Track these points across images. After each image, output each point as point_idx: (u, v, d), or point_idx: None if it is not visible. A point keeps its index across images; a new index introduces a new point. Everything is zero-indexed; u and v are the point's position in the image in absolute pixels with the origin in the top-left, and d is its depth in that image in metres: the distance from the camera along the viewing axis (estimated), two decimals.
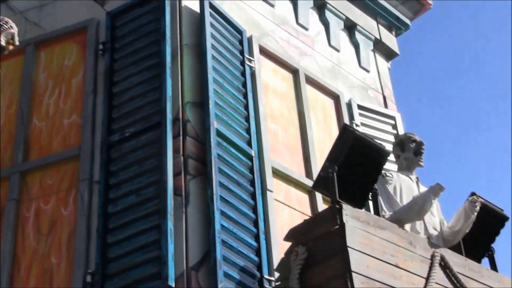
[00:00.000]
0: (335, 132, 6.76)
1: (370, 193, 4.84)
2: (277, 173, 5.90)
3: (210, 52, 5.75)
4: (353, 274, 4.22)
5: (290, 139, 6.30)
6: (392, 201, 5.05)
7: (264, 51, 6.55)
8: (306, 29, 7.36)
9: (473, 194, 5.10)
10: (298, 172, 6.09)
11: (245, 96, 5.96)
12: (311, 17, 7.53)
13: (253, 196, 5.47)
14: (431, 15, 12.55)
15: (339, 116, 6.99)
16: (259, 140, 5.85)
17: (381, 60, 8.20)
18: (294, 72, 6.80)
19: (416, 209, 4.90)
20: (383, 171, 5.20)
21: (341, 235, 4.36)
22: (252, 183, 5.53)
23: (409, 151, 5.37)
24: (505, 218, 5.52)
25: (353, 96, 7.30)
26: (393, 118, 7.43)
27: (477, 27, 16.46)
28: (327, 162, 4.62)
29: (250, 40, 6.41)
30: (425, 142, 5.48)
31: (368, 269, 4.34)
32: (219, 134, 5.41)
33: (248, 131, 5.78)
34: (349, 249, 4.30)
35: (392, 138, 7.22)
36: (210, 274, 4.79)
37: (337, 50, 7.61)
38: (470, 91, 16.22)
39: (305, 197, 6.04)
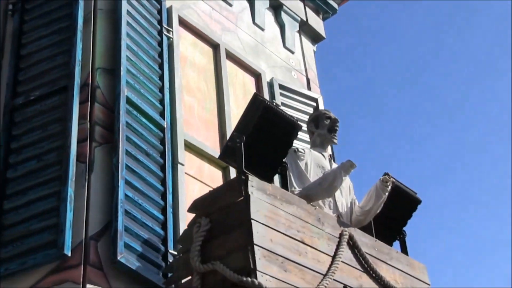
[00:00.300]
0: None
1: (280, 167, 4.69)
2: (190, 147, 5.73)
3: (125, 18, 5.55)
4: (255, 247, 4.09)
5: (206, 114, 6.14)
6: (303, 177, 4.93)
7: (184, 23, 6.38)
8: (230, 5, 7.21)
9: (385, 174, 5.01)
10: (212, 148, 5.93)
11: (161, 66, 5.78)
12: None
13: (162, 168, 5.29)
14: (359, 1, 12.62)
15: (259, 93, 6.84)
16: (172, 112, 5.67)
17: (306, 42, 8.10)
18: (215, 46, 6.64)
19: (326, 185, 4.79)
20: (294, 146, 5.08)
21: (245, 206, 4.23)
22: (163, 155, 5.35)
23: (323, 128, 5.25)
24: (417, 201, 5.46)
25: (275, 75, 7.18)
26: (315, 100, 7.33)
27: (405, 15, 16.59)
28: (235, 131, 4.47)
29: (169, 10, 6.23)
30: (340, 121, 5.37)
31: (272, 243, 4.21)
32: (129, 102, 5.22)
33: (161, 102, 5.60)
34: (252, 221, 4.17)
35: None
36: (110, 245, 4.59)
37: (262, 29, 7.47)
38: (395, 81, 16.34)
39: (218, 173, 5.89)
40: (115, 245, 4.56)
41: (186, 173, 5.52)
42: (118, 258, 4.51)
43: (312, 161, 5.04)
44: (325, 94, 7.78)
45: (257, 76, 6.96)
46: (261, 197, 4.32)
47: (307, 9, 8.21)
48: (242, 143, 4.39)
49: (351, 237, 4.77)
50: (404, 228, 5.49)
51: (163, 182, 5.23)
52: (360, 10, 16.68)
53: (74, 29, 5.29)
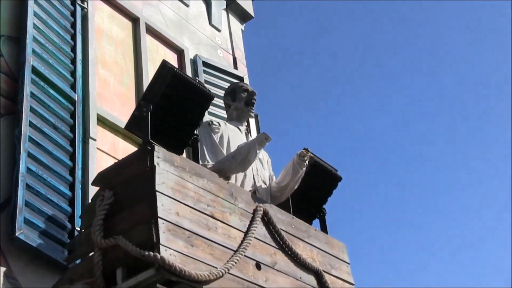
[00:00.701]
0: None
1: (191, 139, 4.47)
2: (103, 122, 5.49)
3: None
4: (159, 220, 3.86)
5: (123, 89, 5.90)
6: (217, 150, 4.71)
7: None
8: None
9: (304, 149, 4.82)
10: None
11: (73, 37, 5.52)
12: None
13: (72, 142, 5.03)
14: None
15: (182, 70, 6.61)
16: (85, 85, 5.42)
17: (234, 21, 7.91)
18: (134, 20, 6.41)
19: (240, 159, 4.58)
20: (209, 119, 4.88)
21: (150, 178, 3.99)
22: (72, 128, 5.10)
23: (240, 100, 5.05)
24: (337, 178, 5.30)
25: (199, 52, 6.96)
26: (240, 79, 7.13)
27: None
28: (142, 100, 4.25)
29: None
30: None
31: (178, 216, 3.99)
32: (35, 71, 4.95)
33: (73, 74, 5.34)
34: (157, 193, 3.94)
35: None
36: (8, 221, 4.31)
37: (186, 5, 7.26)
38: (327, 59, 16.25)
39: (134, 150, 5.60)
40: (13, 221, 4.29)
41: (98, 148, 5.28)
42: (16, 234, 4.25)
43: (228, 134, 4.83)
44: (252, 74, 7.60)
45: (179, 53, 6.75)
46: (168, 168, 4.10)
47: None
48: (149, 112, 4.15)
49: (265, 213, 4.58)
50: (325, 206, 5.32)
51: (72, 157, 4.98)
52: None
53: None
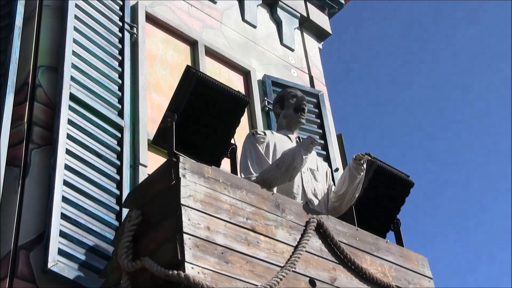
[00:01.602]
0: None
1: (228, 149, 4.12)
2: (156, 148, 5.18)
3: (72, 12, 5.14)
4: (185, 235, 3.51)
5: None
6: (263, 162, 4.33)
7: (153, 20, 5.93)
8: (214, 1, 6.73)
9: (361, 153, 4.37)
10: None
11: (121, 64, 5.31)
12: None
13: (119, 170, 4.78)
14: None
15: (248, 92, 6.31)
16: (134, 111, 5.18)
17: (309, 39, 7.55)
18: (192, 43, 6.16)
19: (285, 167, 4.17)
20: (254, 130, 4.52)
21: (175, 192, 3.66)
22: (120, 156, 4.84)
23: (289, 107, 4.65)
24: (409, 184, 4.79)
25: (269, 73, 6.64)
26: (315, 96, 6.74)
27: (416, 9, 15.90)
28: (167, 111, 3.95)
29: (135, 7, 5.79)
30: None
31: (209, 231, 3.63)
32: (74, 99, 4.75)
33: (120, 101, 5.11)
34: (182, 207, 3.60)
35: (313, 117, 6.57)
36: (42, 253, 4.07)
37: (253, 26, 6.96)
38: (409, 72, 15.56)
39: None
40: (46, 253, 4.04)
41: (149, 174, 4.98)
42: (49, 267, 3.99)
43: (275, 144, 4.43)
44: (333, 92, 7.20)
45: (245, 74, 6.44)
46: (197, 180, 3.75)
47: (309, 4, 7.67)
48: (174, 123, 3.84)
49: (320, 225, 4.14)
50: (399, 216, 4.81)
51: (119, 185, 4.70)
52: (369, 4, 15.99)
53: (12, 27, 4.86)
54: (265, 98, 6.30)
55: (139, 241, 3.75)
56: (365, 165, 4.35)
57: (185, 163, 3.76)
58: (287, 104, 4.67)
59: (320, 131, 6.51)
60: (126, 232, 3.73)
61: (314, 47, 7.54)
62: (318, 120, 6.58)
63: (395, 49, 15.95)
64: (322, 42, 7.77)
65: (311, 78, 7.13)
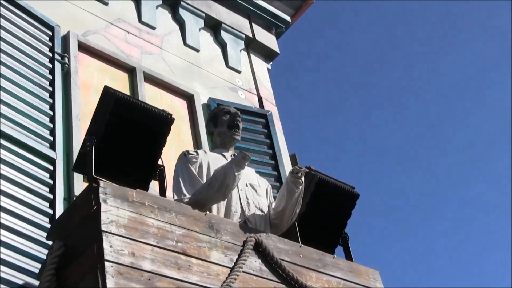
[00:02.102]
0: (185, 134, 5.95)
1: (155, 171, 3.94)
2: None
3: None
4: (106, 263, 3.32)
5: None
6: (196, 182, 4.15)
7: (86, 49, 5.78)
8: (153, 27, 6.58)
9: (298, 166, 4.21)
10: None
11: (52, 95, 5.15)
12: (161, 16, 6.78)
13: (51, 204, 4.58)
14: (319, 10, 12.07)
15: (193, 116, 6.16)
16: (68, 142, 5.01)
17: (257, 60, 7.44)
18: (130, 70, 6.01)
19: (217, 186, 4.00)
20: (186, 150, 4.35)
21: (96, 218, 3.47)
22: (52, 189, 4.65)
23: (222, 125, 4.50)
24: (354, 196, 4.63)
25: (215, 96, 6.48)
26: (263, 116, 6.60)
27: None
28: (87, 134, 3.77)
29: (66, 36, 5.63)
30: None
31: (134, 257, 3.44)
32: (4, 136, 4.58)
33: (52, 132, 4.94)
34: (103, 234, 3.41)
35: (263, 138, 6.43)
36: None
37: (196, 50, 6.82)
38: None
39: None
40: None
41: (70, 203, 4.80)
42: None
43: (208, 163, 4.26)
44: (285, 112, 7.07)
45: (189, 98, 6.29)
46: (120, 205, 3.57)
47: (254, 25, 7.55)
48: (93, 147, 3.66)
49: (259, 244, 3.96)
50: (349, 230, 4.64)
51: (52, 220, 4.51)
52: (319, 18, 15.95)
53: None
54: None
55: (63, 273, 3.56)
56: (303, 178, 4.18)
57: (106, 188, 3.58)
58: (220, 122, 4.51)
59: (270, 151, 6.37)
60: (48, 265, 3.54)
61: (262, 67, 7.42)
62: (268, 140, 6.44)
63: (347, 62, 15.98)
64: (271, 62, 7.66)
65: (260, 98, 7.00)
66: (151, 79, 6.08)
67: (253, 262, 3.91)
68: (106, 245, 3.38)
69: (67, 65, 5.44)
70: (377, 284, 4.47)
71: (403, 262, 14.64)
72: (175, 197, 4.09)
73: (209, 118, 4.61)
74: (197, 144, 5.93)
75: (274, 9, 7.75)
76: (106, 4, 6.33)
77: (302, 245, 4.25)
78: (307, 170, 4.19)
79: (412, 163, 15.30)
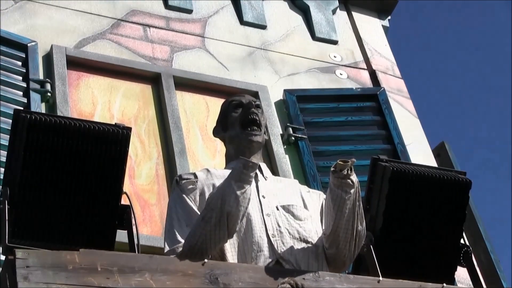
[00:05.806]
0: None
1: (117, 217, 3.77)
2: None
3: None
4: None
5: None
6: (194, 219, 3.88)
7: (82, 64, 5.90)
8: (189, 11, 6.51)
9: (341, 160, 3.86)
10: None
11: None
12: None
13: None
14: None
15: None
16: None
17: (364, 18, 7.32)
18: (154, 79, 5.96)
19: (215, 218, 3.69)
20: (178, 175, 4.13)
21: None
22: None
23: (233, 125, 4.19)
24: (465, 184, 4.21)
25: (296, 85, 6.34)
26: (372, 98, 6.33)
27: None
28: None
29: (49, 55, 5.76)
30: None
31: None
32: None
33: None
34: None
35: (376, 129, 6.19)
36: None
37: (261, 27, 6.69)
38: None
39: None
40: None
41: None
42: None
43: (214, 187, 3.96)
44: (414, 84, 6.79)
45: (254, 96, 6.13)
46: (52, 278, 3.42)
47: None
48: (6, 201, 3.56)
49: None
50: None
51: None
52: None
53: None
54: (288, 124, 5.93)
55: None
56: (354, 177, 3.81)
57: (28, 258, 3.42)
58: (230, 121, 4.22)
59: (389, 146, 6.06)
60: None
61: (374, 27, 7.37)
62: (383, 132, 6.14)
63: None
64: (389, 17, 7.45)
65: (373, 73, 6.78)
66: (187, 84, 6.02)
67: None
68: None
69: (49, 94, 5.45)
70: None
71: None
72: (167, 248, 3.85)
73: (218, 120, 4.35)
74: (270, 161, 5.73)
75: None
76: None
77: (381, 278, 3.88)
78: (355, 162, 3.80)
79: None
